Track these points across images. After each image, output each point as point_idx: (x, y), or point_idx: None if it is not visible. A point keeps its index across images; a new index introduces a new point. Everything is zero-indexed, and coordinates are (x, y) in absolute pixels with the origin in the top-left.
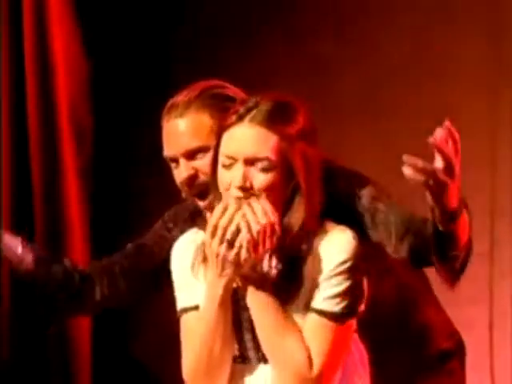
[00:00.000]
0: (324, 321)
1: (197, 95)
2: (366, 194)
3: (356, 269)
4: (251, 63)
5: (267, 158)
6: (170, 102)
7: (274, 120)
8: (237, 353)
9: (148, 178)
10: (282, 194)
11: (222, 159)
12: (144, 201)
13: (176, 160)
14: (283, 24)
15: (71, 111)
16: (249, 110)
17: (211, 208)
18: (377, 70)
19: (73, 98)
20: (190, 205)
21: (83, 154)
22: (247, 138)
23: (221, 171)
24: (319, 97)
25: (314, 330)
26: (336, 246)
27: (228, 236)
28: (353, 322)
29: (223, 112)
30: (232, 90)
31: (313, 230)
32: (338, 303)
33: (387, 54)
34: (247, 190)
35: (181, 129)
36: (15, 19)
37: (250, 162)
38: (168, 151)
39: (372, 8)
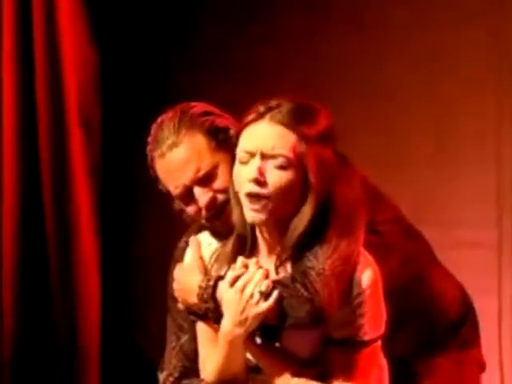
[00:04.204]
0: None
1: (179, 120)
2: None
3: (374, 295)
4: (255, 62)
5: (284, 156)
6: (153, 137)
7: (295, 120)
8: None
9: None
10: (294, 195)
11: (239, 155)
12: (153, 197)
13: (187, 191)
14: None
15: (80, 108)
16: (270, 109)
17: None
18: (378, 69)
19: (82, 94)
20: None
21: (92, 150)
22: (267, 134)
23: (237, 168)
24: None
25: (343, 361)
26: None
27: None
28: (378, 344)
29: (210, 127)
30: (200, 106)
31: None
32: (364, 333)
33: (388, 52)
34: (261, 185)
35: (182, 158)
36: (24, 13)
37: (267, 157)
38: (176, 187)
39: (372, 5)
